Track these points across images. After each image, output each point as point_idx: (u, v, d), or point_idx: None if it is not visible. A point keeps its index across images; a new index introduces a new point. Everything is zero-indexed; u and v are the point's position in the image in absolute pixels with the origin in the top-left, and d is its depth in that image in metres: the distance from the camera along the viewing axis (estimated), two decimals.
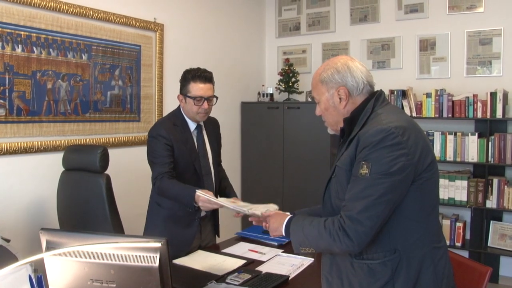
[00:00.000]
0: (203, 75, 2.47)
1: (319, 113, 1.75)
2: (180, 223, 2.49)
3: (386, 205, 1.46)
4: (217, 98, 2.55)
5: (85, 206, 2.70)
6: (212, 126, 2.70)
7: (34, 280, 1.35)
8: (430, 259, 1.54)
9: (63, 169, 2.85)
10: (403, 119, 1.57)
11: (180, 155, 2.45)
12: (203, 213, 2.54)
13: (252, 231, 2.87)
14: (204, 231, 2.66)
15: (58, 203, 2.84)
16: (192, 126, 2.54)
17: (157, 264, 1.35)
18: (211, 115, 2.63)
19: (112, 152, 3.44)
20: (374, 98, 1.65)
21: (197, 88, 2.44)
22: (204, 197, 2.14)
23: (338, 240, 1.48)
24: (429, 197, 1.56)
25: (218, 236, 2.84)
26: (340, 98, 1.65)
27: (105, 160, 2.70)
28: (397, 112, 1.64)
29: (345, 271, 1.60)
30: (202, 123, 2.59)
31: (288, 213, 1.79)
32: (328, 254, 1.68)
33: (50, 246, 1.47)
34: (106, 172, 2.73)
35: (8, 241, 2.14)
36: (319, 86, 1.69)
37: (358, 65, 1.66)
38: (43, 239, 1.49)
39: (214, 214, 2.71)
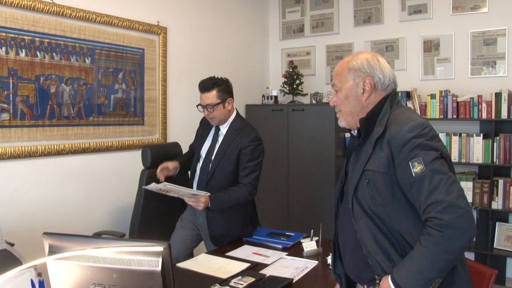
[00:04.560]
0: (201, 86, 2.75)
1: (334, 103, 1.73)
2: None
3: (458, 182, 1.46)
4: (218, 103, 2.72)
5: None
6: (239, 138, 2.76)
7: (36, 284, 1.35)
8: (460, 260, 1.54)
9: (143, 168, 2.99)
10: (424, 119, 1.60)
11: (196, 144, 2.96)
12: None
13: (256, 234, 2.86)
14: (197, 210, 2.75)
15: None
16: (213, 126, 2.88)
17: (159, 268, 1.34)
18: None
19: (116, 156, 3.47)
20: (390, 99, 1.66)
21: (200, 98, 2.77)
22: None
23: (448, 241, 1.38)
24: None
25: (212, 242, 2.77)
26: (363, 89, 1.65)
27: None
28: (414, 113, 1.67)
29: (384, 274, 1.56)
30: (220, 128, 2.83)
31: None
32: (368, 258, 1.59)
33: (53, 250, 1.47)
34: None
35: (12, 245, 2.14)
36: (345, 73, 1.68)
37: (385, 62, 1.69)
38: (46, 243, 1.49)
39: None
